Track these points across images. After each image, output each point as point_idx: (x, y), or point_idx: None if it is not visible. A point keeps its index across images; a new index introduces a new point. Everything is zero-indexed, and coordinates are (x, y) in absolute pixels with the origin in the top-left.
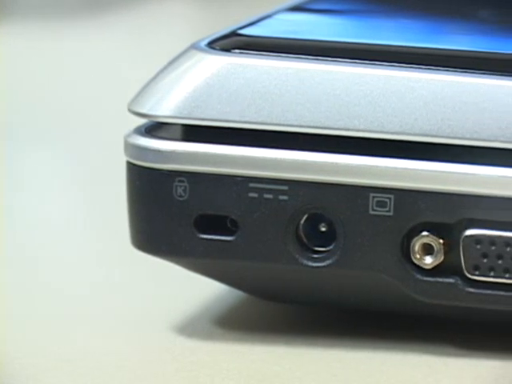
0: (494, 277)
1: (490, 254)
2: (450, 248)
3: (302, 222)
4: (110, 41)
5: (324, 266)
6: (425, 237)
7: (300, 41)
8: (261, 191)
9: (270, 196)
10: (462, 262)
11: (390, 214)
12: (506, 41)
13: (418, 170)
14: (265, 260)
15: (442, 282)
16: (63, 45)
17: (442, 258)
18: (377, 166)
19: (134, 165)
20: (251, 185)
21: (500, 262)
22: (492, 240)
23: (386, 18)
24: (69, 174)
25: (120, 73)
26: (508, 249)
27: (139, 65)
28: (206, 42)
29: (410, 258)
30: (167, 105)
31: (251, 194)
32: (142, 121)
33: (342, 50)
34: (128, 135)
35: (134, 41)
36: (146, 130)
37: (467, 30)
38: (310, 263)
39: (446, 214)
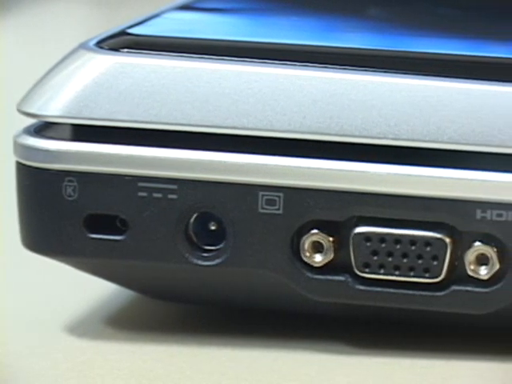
0: (384, 274)
1: (380, 251)
2: (340, 246)
3: (192, 220)
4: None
5: (214, 265)
6: (314, 235)
7: (188, 39)
8: (150, 190)
9: (159, 195)
10: (352, 259)
11: (280, 212)
12: (395, 38)
13: (306, 167)
14: (155, 259)
15: (332, 280)
16: None
17: (332, 255)
18: (266, 165)
19: (24, 165)
20: (140, 184)
21: (390, 259)
22: (382, 237)
23: (276, 16)
24: None
25: (10, 72)
26: (398, 246)
27: (30, 64)
28: (94, 41)
29: (300, 256)
30: (56, 105)
31: (140, 194)
32: (32, 121)
33: (230, 49)
34: (17, 135)
35: (23, 41)
36: (35, 130)
37: (357, 27)
38: (200, 262)
39: (335, 211)
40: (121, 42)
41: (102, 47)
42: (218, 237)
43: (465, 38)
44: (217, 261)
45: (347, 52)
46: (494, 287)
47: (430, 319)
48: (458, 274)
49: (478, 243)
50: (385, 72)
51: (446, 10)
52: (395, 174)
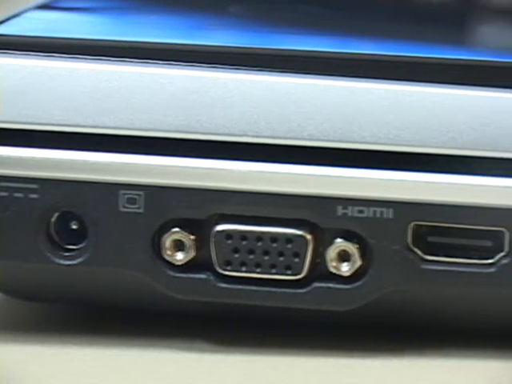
0: (245, 272)
1: (242, 248)
2: (201, 244)
3: (53, 220)
4: None
5: (76, 264)
6: (176, 233)
7: (48, 39)
8: (11, 190)
9: (20, 195)
10: (214, 257)
11: (141, 210)
12: (256, 36)
13: (166, 166)
14: (16, 259)
15: (194, 278)
16: None
17: (194, 253)
18: (126, 163)
19: None
20: (1, 184)
21: (251, 256)
22: (243, 235)
23: (137, 14)
24: None
25: None
26: (259, 243)
27: None
28: None
29: (162, 255)
30: None
31: (1, 193)
32: None
33: (90, 48)
34: None
35: None
36: None
37: (221, 25)
38: (62, 261)
39: (196, 209)
40: None
41: None
42: (79, 236)
43: (327, 35)
44: (78, 260)
45: (209, 50)
46: (356, 284)
47: (294, 316)
48: (319, 271)
49: (339, 240)
50: (245, 69)
51: (308, 8)
52: (255, 172)
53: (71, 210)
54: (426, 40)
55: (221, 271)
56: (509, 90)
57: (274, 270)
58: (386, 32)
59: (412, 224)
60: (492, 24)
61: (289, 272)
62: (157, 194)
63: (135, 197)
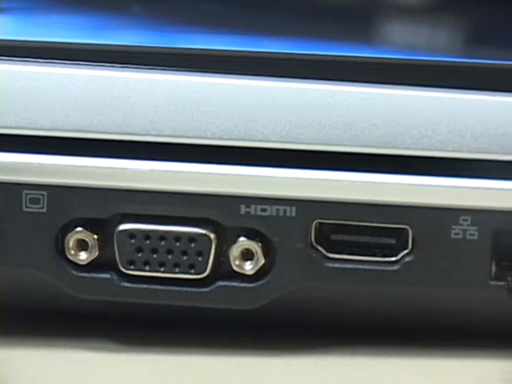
0: (149, 271)
1: (145, 248)
2: (104, 243)
3: None
4: None
5: None
6: (79, 232)
7: None
8: None
9: None
10: (117, 256)
11: (44, 210)
12: (160, 35)
13: (68, 165)
14: None
15: (97, 278)
16: None
17: (97, 253)
18: (28, 163)
19: None
20: None
21: (155, 255)
22: (146, 234)
23: (41, 14)
24: None
25: None
26: (162, 242)
27: None
28: None
29: (65, 255)
30: None
31: None
32: None
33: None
34: None
35: None
36: None
37: (126, 25)
38: None
39: (99, 209)
40: None
41: None
42: None
43: (229, 34)
44: None
45: (111, 49)
46: (260, 282)
47: (198, 315)
48: (223, 270)
49: (242, 238)
50: (146, 68)
51: (211, 6)
52: (158, 171)
53: None
54: (332, 38)
55: (124, 271)
56: (411, 86)
57: (177, 269)
58: (290, 30)
59: (315, 222)
60: (402, 22)
61: (192, 271)
62: (59, 194)
63: (38, 197)
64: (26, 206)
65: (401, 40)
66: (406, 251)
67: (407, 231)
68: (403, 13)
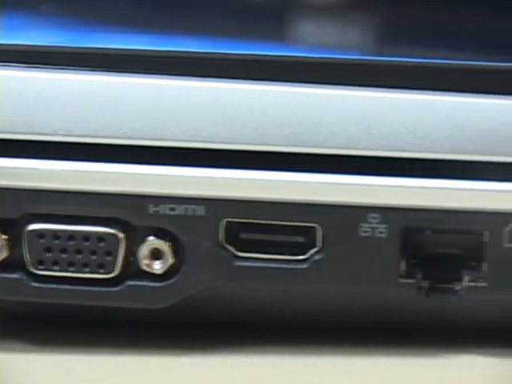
0: (58, 271)
1: (54, 247)
2: (14, 243)
3: None
4: None
5: None
6: None
7: None
8: None
9: None
10: (26, 256)
11: None
12: (67, 35)
13: None
14: None
15: (7, 278)
16: None
17: (7, 253)
18: None
19: None
20: None
21: (64, 255)
22: (55, 234)
23: None
24: None
25: None
26: (71, 242)
27: None
28: None
29: None
30: None
31: None
32: None
33: None
34: None
35: None
36: None
37: (39, 25)
38: None
39: (7, 209)
40: None
41: None
42: None
43: (143, 34)
44: None
45: (24, 49)
46: (169, 281)
47: (108, 314)
48: (132, 269)
49: (151, 238)
50: (58, 68)
51: (126, 6)
52: (67, 171)
53: None
54: (250, 37)
55: (33, 271)
56: (323, 85)
57: (86, 269)
58: (207, 29)
59: (224, 221)
60: (316, 20)
61: (101, 271)
62: None
63: None
64: None
65: (315, 39)
66: (315, 249)
67: (316, 229)
68: (317, 11)
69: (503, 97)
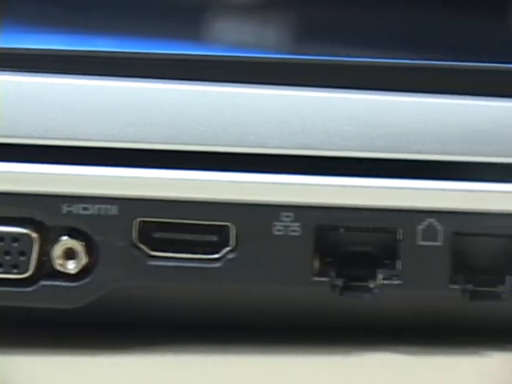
0: None
1: None
2: None
3: None
4: None
5: None
6: None
7: None
8: None
9: None
10: None
11: None
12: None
13: None
14: None
15: None
16: None
17: None
18: None
19: None
20: None
21: None
22: None
23: None
24: None
25: None
26: None
27: None
28: None
29: None
30: None
31: None
32: None
33: None
34: None
35: None
36: None
37: None
38: None
39: None
40: None
41: None
42: None
43: (62, 33)
44: None
45: None
46: (83, 281)
47: (23, 314)
48: (46, 269)
49: (65, 237)
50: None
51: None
52: None
53: None
54: (162, 36)
55: None
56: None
57: (0, 269)
58: (126, 29)
59: (137, 220)
60: (231, 19)
61: (15, 271)
62: None
63: None
64: None
65: (234, 37)
66: (228, 248)
67: (229, 228)
68: (237, 10)
69: (406, 94)
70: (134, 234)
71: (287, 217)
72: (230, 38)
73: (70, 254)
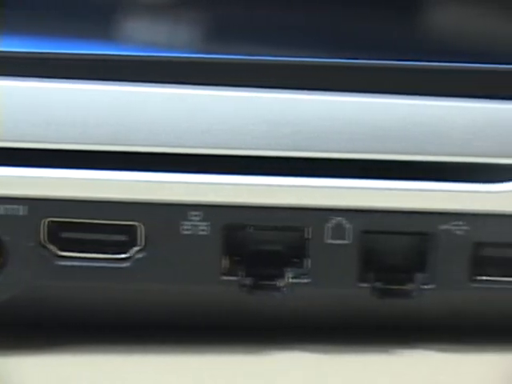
0: None
1: None
2: None
3: None
4: None
5: None
6: None
7: None
8: None
9: None
10: None
11: None
12: None
13: None
14: None
15: None
16: None
17: None
18: None
19: None
20: None
21: None
22: None
23: None
24: None
25: None
26: None
27: None
28: None
29: None
30: None
31: None
32: None
33: None
34: None
35: None
36: None
37: None
38: None
39: None
40: None
41: None
42: None
43: None
44: None
45: None
46: None
47: None
48: None
49: None
50: None
51: None
52: None
53: None
54: (74, 36)
55: None
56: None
57: None
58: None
59: (46, 220)
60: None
61: None
62: None
63: None
64: None
65: (147, 37)
66: (137, 248)
67: (138, 228)
68: (151, 10)
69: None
70: (43, 235)
71: (195, 216)
72: (140, 37)
73: None
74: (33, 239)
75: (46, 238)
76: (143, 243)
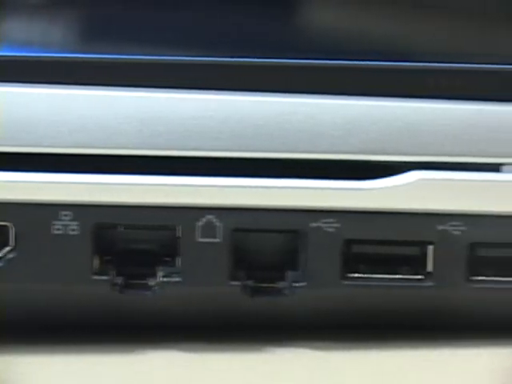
0: None
1: None
2: None
3: None
4: None
5: None
6: None
7: None
8: None
9: None
10: None
11: None
12: None
13: None
14: None
15: None
16: None
17: None
18: None
19: None
20: None
21: None
22: None
23: None
24: None
25: None
26: None
27: None
28: None
29: None
30: None
31: None
32: None
33: None
34: None
35: None
36: None
37: None
38: None
39: None
40: None
41: None
42: None
43: None
44: None
45: None
46: None
47: None
48: None
49: None
50: None
51: None
52: None
53: None
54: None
55: None
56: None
57: None
58: None
59: None
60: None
61: None
62: None
63: None
64: None
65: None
66: (8, 248)
67: (9, 228)
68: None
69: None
70: None
71: (66, 216)
72: (20, 37)
73: None
74: None
75: None
76: (14, 243)
